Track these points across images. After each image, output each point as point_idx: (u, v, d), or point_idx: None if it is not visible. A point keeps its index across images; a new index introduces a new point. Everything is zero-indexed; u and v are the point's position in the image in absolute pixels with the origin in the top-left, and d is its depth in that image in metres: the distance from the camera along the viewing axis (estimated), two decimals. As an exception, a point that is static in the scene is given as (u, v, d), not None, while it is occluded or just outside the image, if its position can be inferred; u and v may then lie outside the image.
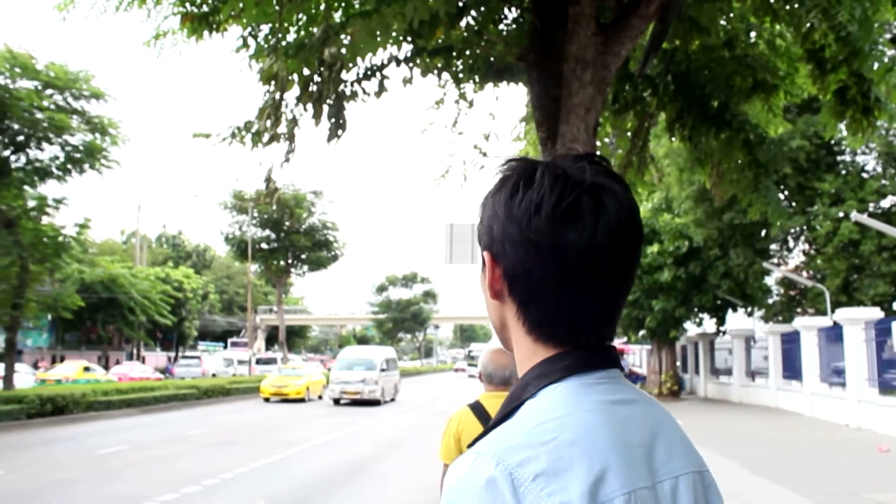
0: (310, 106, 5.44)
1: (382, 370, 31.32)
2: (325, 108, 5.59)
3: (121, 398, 25.49)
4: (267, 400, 32.31)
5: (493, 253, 1.12)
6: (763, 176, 6.93)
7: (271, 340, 73.48)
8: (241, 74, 6.33)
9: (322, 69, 5.16)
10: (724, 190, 7.74)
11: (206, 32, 6.67)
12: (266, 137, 5.46)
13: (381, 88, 6.46)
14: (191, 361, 50.33)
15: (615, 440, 1.04)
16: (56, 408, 22.23)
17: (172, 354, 63.58)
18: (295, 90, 5.53)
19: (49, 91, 22.84)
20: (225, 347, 68.49)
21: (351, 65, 5.64)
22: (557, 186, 1.07)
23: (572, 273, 1.07)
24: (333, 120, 5.65)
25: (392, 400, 33.15)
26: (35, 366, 41.76)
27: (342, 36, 5.05)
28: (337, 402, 30.98)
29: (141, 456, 15.24)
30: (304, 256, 49.80)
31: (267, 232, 48.42)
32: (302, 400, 32.57)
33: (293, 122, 5.63)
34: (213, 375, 45.93)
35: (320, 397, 34.40)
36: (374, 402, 30.51)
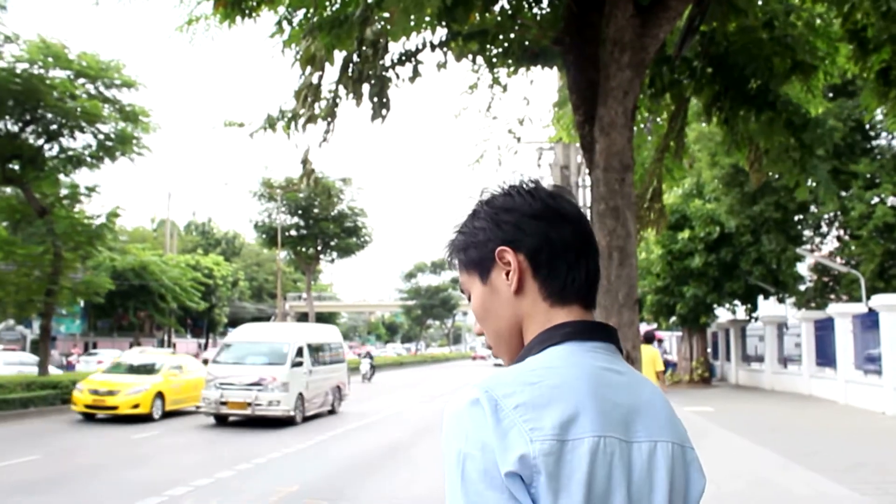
0: (345, 87, 5.43)
1: (297, 364, 18.88)
2: (366, 88, 5.57)
3: (154, 384, 25.66)
4: (89, 417, 19.12)
5: (512, 242, 1.32)
6: (808, 156, 6.82)
7: (300, 327, 73.73)
8: (275, 60, 6.32)
9: (363, 48, 5.14)
10: (768, 170, 7.63)
11: (238, 18, 6.66)
12: (302, 119, 5.44)
13: (416, 73, 6.41)
14: None
15: (596, 394, 1.19)
16: (90, 393, 22.45)
17: (203, 341, 64.17)
18: (333, 72, 5.51)
19: (81, 80, 23.02)
20: (255, 334, 68.84)
21: (390, 45, 5.60)
22: (535, 181, 1.39)
23: (578, 233, 1.33)
24: (376, 99, 5.63)
25: (330, 412, 20.88)
26: (68, 354, 42.39)
27: (377, 18, 5.03)
28: (222, 419, 18.68)
29: (175, 441, 15.39)
30: (333, 243, 49.87)
31: (296, 219, 48.52)
32: (146, 418, 18.81)
33: (333, 103, 5.61)
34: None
35: (198, 408, 19.20)
36: (283, 421, 18.09)
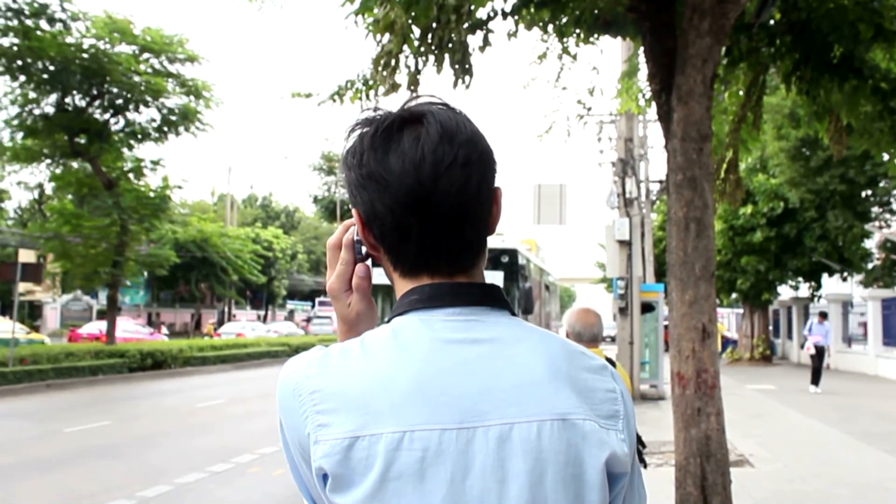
0: (425, 55, 5.38)
1: None
2: (446, 56, 5.51)
3: (216, 354, 26.29)
4: None
5: (353, 205, 1.16)
6: (900, 124, 6.57)
7: (356, 300, 74.37)
8: (346, 30, 6.27)
9: (442, 16, 5.09)
10: (852, 144, 7.39)
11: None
12: (383, 89, 5.42)
13: (486, 42, 6.32)
14: (323, 320, 54.25)
15: (418, 379, 1.02)
16: (155, 362, 23.11)
17: (262, 313, 65.18)
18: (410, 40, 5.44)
19: (146, 55, 23.39)
20: (313, 306, 69.86)
21: (472, 9, 5.51)
22: (375, 121, 1.12)
23: (403, 200, 1.08)
24: (458, 66, 5.57)
25: None
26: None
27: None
28: None
29: (238, 410, 15.66)
30: (390, 218, 50.09)
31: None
32: None
33: (416, 71, 5.56)
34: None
35: None
36: None
